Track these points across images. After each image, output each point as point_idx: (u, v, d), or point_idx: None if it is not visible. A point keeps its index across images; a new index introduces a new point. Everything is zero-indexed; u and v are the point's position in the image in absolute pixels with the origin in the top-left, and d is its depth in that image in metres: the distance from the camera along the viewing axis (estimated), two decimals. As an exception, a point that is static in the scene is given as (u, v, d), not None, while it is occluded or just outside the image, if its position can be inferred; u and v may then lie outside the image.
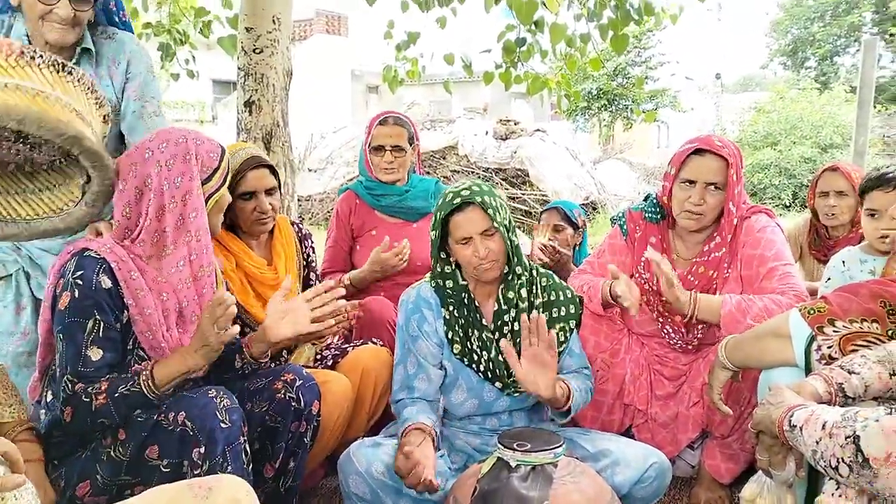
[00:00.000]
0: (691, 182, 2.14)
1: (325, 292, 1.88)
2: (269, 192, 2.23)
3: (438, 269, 2.00)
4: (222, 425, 1.56)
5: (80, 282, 1.62)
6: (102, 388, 1.60)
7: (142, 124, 2.23)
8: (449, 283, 2.00)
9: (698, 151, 2.14)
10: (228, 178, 1.85)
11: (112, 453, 1.62)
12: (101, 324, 1.63)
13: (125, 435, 1.63)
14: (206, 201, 1.78)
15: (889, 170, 2.31)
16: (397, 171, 2.77)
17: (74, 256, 1.66)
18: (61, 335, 1.63)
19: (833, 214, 2.82)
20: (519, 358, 1.82)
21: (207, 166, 1.77)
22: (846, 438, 1.20)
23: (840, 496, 1.26)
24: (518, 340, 1.92)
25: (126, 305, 1.67)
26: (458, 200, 1.88)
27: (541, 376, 1.80)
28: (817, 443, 1.26)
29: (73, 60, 2.12)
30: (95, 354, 1.62)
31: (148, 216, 1.70)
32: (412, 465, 1.70)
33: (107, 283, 1.64)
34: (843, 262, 2.37)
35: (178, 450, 1.57)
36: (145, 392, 1.61)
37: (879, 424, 1.16)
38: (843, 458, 1.20)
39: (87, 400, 1.59)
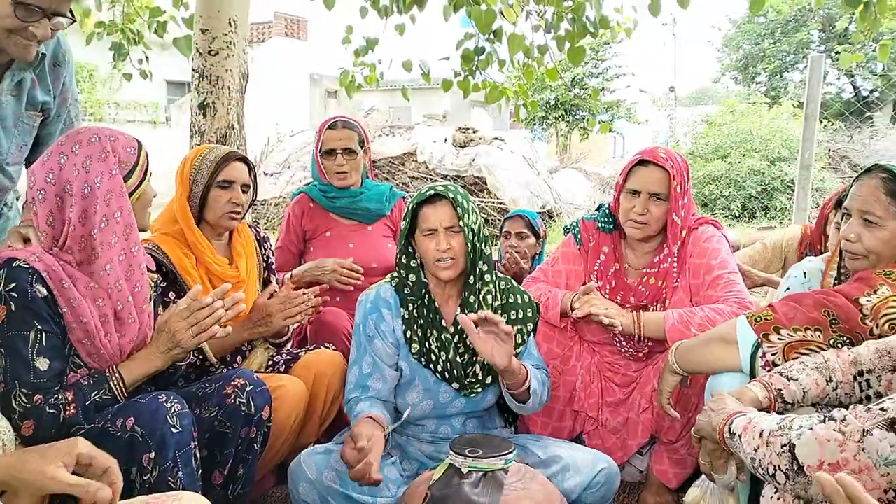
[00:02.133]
0: (635, 192, 2.20)
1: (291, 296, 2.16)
2: (244, 188, 2.23)
3: (403, 261, 2.01)
4: (173, 430, 1.54)
5: (14, 294, 1.56)
6: (70, 398, 1.57)
7: (68, 128, 2.16)
8: (411, 277, 2.00)
9: (642, 162, 2.20)
10: (149, 172, 1.78)
11: None
12: (44, 333, 1.58)
13: None
14: (129, 197, 1.72)
15: None
16: (350, 175, 2.78)
17: (2, 268, 1.59)
18: (2, 349, 1.57)
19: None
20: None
21: (126, 161, 1.72)
22: (782, 447, 1.23)
23: (779, 500, 1.30)
24: None
25: (62, 314, 1.62)
26: (430, 192, 1.93)
27: (498, 346, 1.80)
28: (755, 450, 1.29)
29: (20, 66, 1.97)
30: (43, 365, 1.57)
31: (72, 222, 1.63)
32: (362, 457, 1.66)
33: (42, 291, 1.58)
34: (805, 273, 2.43)
35: (127, 456, 1.53)
36: (118, 396, 1.61)
37: (813, 433, 1.20)
38: (779, 466, 1.23)
39: (54, 412, 1.55)
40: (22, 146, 2.09)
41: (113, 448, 1.53)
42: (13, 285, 1.57)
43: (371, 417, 1.83)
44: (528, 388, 1.91)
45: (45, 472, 1.14)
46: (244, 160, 2.26)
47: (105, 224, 1.66)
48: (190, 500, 1.27)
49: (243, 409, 1.81)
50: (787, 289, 2.42)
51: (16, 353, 1.56)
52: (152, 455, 1.52)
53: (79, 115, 2.24)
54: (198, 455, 1.62)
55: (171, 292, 2.10)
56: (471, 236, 1.92)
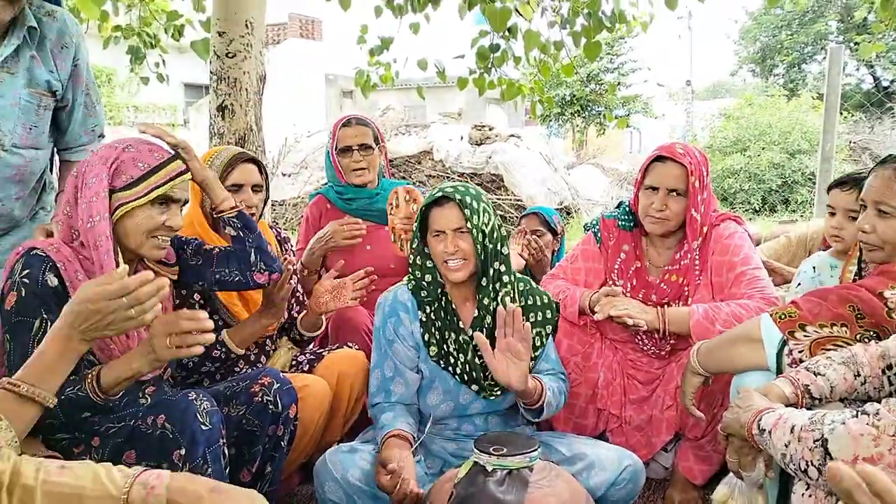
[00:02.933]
0: (654, 188, 2.19)
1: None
2: (255, 189, 2.23)
3: (418, 262, 2.01)
4: (203, 427, 1.55)
5: (26, 280, 1.58)
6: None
7: (91, 117, 2.20)
8: (427, 278, 2.00)
9: (660, 158, 2.19)
10: (157, 193, 1.70)
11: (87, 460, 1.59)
12: (48, 322, 1.56)
13: (99, 442, 1.61)
14: (117, 209, 1.67)
15: (857, 172, 2.37)
16: (368, 172, 2.77)
17: (22, 256, 1.62)
18: (8, 335, 1.58)
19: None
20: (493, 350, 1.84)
21: (128, 174, 1.67)
22: (814, 442, 1.22)
23: (810, 496, 1.29)
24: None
25: None
26: (438, 194, 1.93)
27: (513, 367, 1.81)
28: (786, 446, 1.28)
29: (10, 40, 1.96)
30: None
31: (79, 215, 1.66)
32: (396, 481, 1.70)
33: (53, 281, 1.59)
34: (814, 267, 2.42)
35: (157, 453, 1.55)
36: (91, 396, 1.52)
37: (846, 427, 1.19)
38: (811, 462, 1.22)
39: None
40: (31, 128, 2.07)
41: (145, 445, 1.56)
42: (27, 272, 1.59)
43: (395, 435, 1.85)
44: (544, 403, 1.91)
45: None
46: (253, 160, 2.25)
47: (90, 225, 1.66)
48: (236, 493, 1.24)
49: (271, 407, 1.83)
50: (799, 284, 2.40)
51: (18, 340, 1.57)
52: (182, 452, 1.53)
53: (97, 103, 2.24)
54: (226, 452, 1.64)
55: (197, 293, 2.11)
56: (480, 238, 1.91)
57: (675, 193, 2.17)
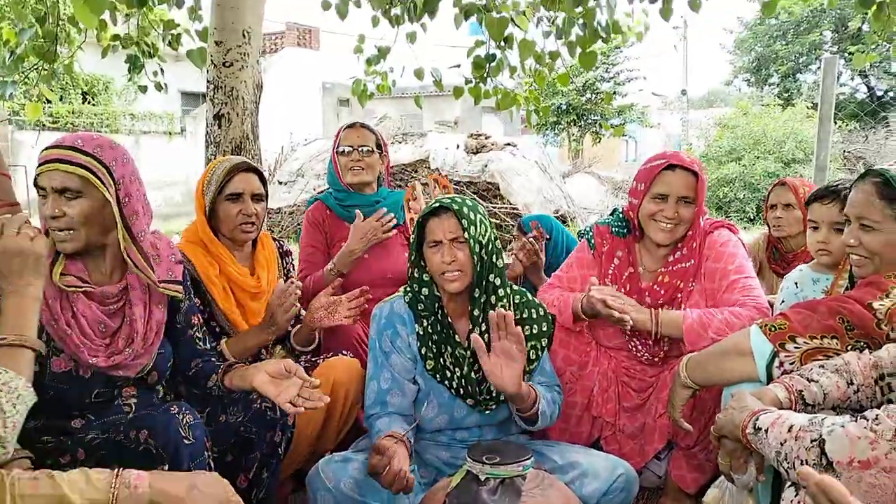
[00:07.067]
0: (663, 196, 2.19)
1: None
2: (255, 198, 2.24)
3: (415, 275, 2.01)
4: (185, 442, 1.55)
5: None
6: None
7: None
8: (424, 291, 2.00)
9: (670, 167, 2.19)
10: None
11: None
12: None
13: (84, 455, 1.61)
14: None
15: (834, 183, 2.36)
16: (364, 172, 2.79)
17: None
18: None
19: (779, 226, 2.93)
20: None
21: None
22: (811, 441, 1.23)
23: (800, 502, 1.29)
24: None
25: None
26: (436, 205, 1.94)
27: (507, 369, 1.80)
28: (782, 444, 1.29)
29: None
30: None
31: None
32: (386, 462, 1.68)
33: None
34: (796, 283, 2.41)
35: (142, 467, 1.54)
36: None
37: (845, 430, 1.20)
38: (806, 461, 1.23)
39: None
40: None
41: (129, 460, 1.55)
42: None
43: (390, 435, 1.85)
44: (538, 411, 1.91)
45: None
46: (253, 170, 2.27)
47: None
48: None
49: (269, 413, 1.85)
50: (783, 301, 2.40)
51: None
52: (166, 467, 1.53)
53: None
54: (212, 465, 1.64)
55: (197, 298, 2.12)
56: (477, 248, 1.92)
57: (685, 201, 2.19)
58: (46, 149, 1.65)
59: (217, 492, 1.33)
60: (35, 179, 1.64)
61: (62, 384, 1.66)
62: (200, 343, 1.95)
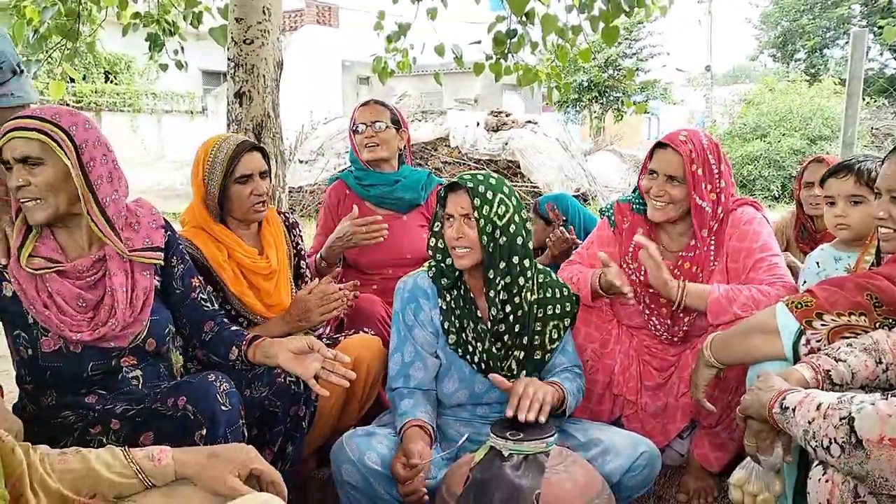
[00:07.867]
0: (654, 173, 2.20)
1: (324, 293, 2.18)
2: (262, 175, 2.24)
3: (438, 245, 2.01)
4: (223, 408, 1.59)
5: None
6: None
7: None
8: (447, 261, 2.00)
9: (661, 145, 2.19)
10: None
11: (104, 441, 1.62)
12: None
13: (118, 425, 1.64)
14: None
15: (847, 160, 2.32)
16: (379, 148, 2.77)
17: None
18: None
19: (817, 205, 2.86)
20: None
21: None
22: (841, 419, 1.22)
23: (827, 481, 1.28)
24: (516, 330, 1.96)
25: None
26: (453, 181, 1.95)
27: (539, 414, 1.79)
28: (810, 423, 1.28)
29: None
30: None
31: None
32: (410, 475, 1.72)
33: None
34: (818, 262, 2.37)
35: (179, 434, 1.58)
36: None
37: (875, 408, 1.18)
38: (835, 439, 1.22)
39: None
40: None
41: (164, 427, 1.59)
42: None
43: (418, 426, 1.86)
44: (566, 408, 1.92)
45: (224, 480, 1.31)
46: (255, 147, 2.25)
47: None
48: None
49: (293, 387, 1.86)
50: (804, 282, 2.36)
51: None
52: (204, 432, 1.57)
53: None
54: (246, 433, 1.67)
55: (209, 286, 2.11)
56: (489, 228, 1.89)
57: (674, 181, 2.16)
58: (8, 122, 1.66)
59: (238, 456, 1.36)
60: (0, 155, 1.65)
61: (55, 362, 1.69)
62: (208, 304, 1.96)
